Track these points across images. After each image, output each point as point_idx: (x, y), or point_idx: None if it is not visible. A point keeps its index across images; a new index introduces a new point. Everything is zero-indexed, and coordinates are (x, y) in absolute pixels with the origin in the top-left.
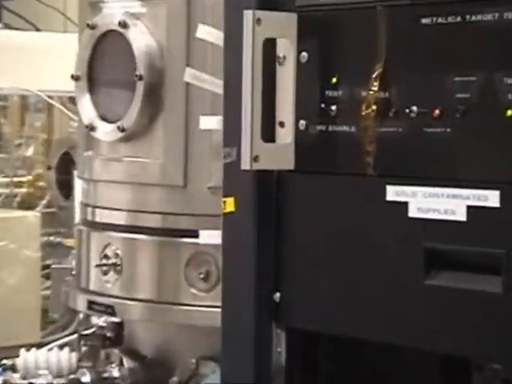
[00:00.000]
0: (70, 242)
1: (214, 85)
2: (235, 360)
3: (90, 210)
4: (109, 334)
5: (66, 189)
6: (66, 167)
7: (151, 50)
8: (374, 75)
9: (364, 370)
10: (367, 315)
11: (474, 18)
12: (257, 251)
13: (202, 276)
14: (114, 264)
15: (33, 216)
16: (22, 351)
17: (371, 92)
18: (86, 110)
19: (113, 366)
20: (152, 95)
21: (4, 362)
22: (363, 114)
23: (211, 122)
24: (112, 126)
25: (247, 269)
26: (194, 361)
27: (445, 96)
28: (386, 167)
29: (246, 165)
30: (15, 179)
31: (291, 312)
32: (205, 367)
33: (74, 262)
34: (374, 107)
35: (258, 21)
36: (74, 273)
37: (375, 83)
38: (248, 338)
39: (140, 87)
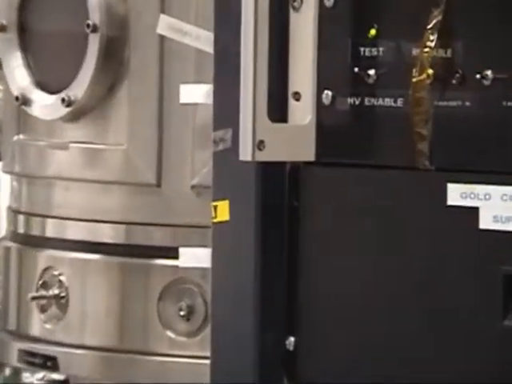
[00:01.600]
0: None
1: (200, 39)
2: None
3: (22, 218)
4: None
5: None
6: None
7: None
8: (429, 25)
9: None
10: (421, 371)
11: None
12: (261, 278)
13: (182, 313)
14: (57, 296)
15: None
16: None
17: (426, 50)
18: (16, 74)
19: None
20: (111, 54)
21: None
22: (415, 81)
23: (195, 94)
24: (54, 98)
25: (247, 303)
26: None
27: None
28: (447, 158)
29: (245, 154)
30: None
31: (310, 364)
32: None
33: None
34: (431, 72)
35: None
36: None
37: (432, 37)
38: None
39: (94, 43)
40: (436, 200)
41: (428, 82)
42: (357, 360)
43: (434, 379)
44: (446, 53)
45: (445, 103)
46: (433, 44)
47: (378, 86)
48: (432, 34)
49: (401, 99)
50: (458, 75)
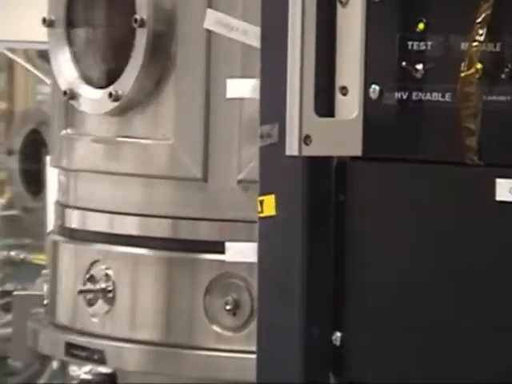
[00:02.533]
0: (39, 258)
1: (247, 34)
2: None
3: (69, 212)
4: None
5: (34, 183)
6: (33, 151)
7: None
8: (478, 19)
9: None
10: (471, 369)
11: None
12: (308, 272)
13: (228, 308)
14: (104, 290)
15: None
16: None
17: (475, 44)
18: (64, 69)
19: None
20: (158, 49)
21: None
22: (463, 75)
23: (242, 89)
24: (101, 93)
25: (294, 298)
26: None
27: None
28: (495, 153)
29: (292, 149)
30: None
31: (357, 360)
32: None
33: (45, 288)
34: (479, 66)
35: None
36: (45, 303)
37: (481, 31)
38: None
39: (141, 38)
40: (484, 195)
41: (477, 76)
42: (404, 356)
43: (488, 374)
44: (495, 47)
45: (493, 98)
46: (482, 38)
47: (426, 80)
48: (481, 28)
49: (449, 94)
50: (507, 70)
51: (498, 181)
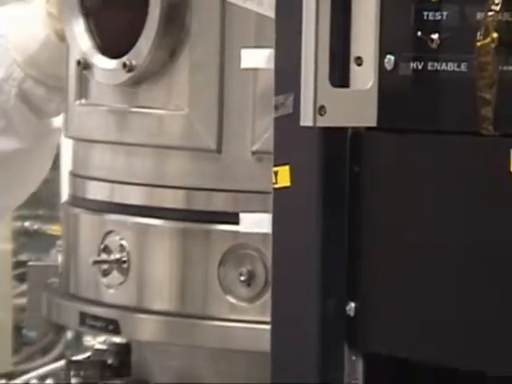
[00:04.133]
0: (53, 229)
1: (262, 4)
2: None
3: (82, 182)
4: (110, 361)
5: None
6: None
7: None
8: None
9: None
10: (484, 340)
11: None
12: (322, 243)
13: (243, 279)
14: (119, 260)
15: None
16: None
17: (491, 13)
18: (78, 39)
19: None
20: (172, 19)
21: None
22: (479, 45)
23: (256, 59)
24: (115, 63)
25: (308, 269)
26: None
27: None
28: (511, 123)
29: (307, 119)
30: None
31: (371, 331)
32: None
33: (59, 258)
34: (495, 35)
35: None
36: (59, 273)
37: (497, 0)
38: (309, 367)
39: (155, 7)
40: (499, 166)
41: (493, 46)
42: (419, 328)
43: (505, 343)
44: (511, 16)
45: (510, 68)
46: (498, 7)
47: (442, 50)
48: None
49: (464, 64)
50: None
51: None
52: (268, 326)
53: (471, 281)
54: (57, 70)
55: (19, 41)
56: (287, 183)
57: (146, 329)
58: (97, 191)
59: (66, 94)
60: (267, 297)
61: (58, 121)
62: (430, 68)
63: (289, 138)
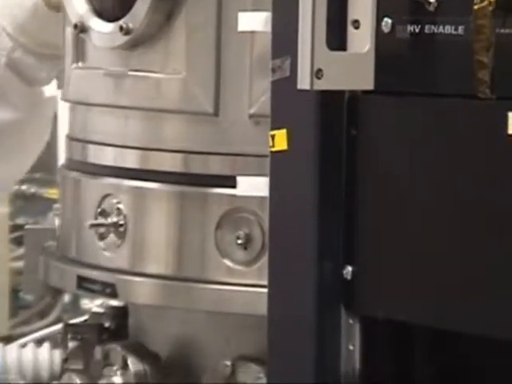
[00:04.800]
0: (50, 192)
1: None
2: (288, 362)
3: (80, 146)
4: (107, 324)
5: None
6: None
7: None
8: None
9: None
10: (482, 302)
11: None
12: (319, 206)
13: (240, 242)
14: (116, 224)
15: None
16: None
17: None
18: (75, 2)
19: (113, 368)
20: None
21: None
22: (476, 7)
23: (253, 22)
24: (112, 26)
25: (305, 232)
26: (228, 363)
27: None
28: (508, 86)
29: (304, 83)
30: None
31: (368, 294)
32: (244, 372)
33: (56, 222)
34: None
35: None
36: (57, 236)
37: None
38: (306, 331)
39: None
40: (497, 129)
41: (490, 8)
42: (416, 291)
43: (501, 308)
44: None
45: (507, 31)
46: None
47: (439, 13)
48: None
49: (462, 27)
50: None
51: (511, 114)
52: (265, 290)
53: (469, 244)
54: (46, 38)
55: (7, 9)
56: (284, 147)
57: (143, 292)
58: (94, 155)
59: (63, 57)
60: (264, 260)
61: (51, 90)
62: (427, 31)
63: (286, 101)
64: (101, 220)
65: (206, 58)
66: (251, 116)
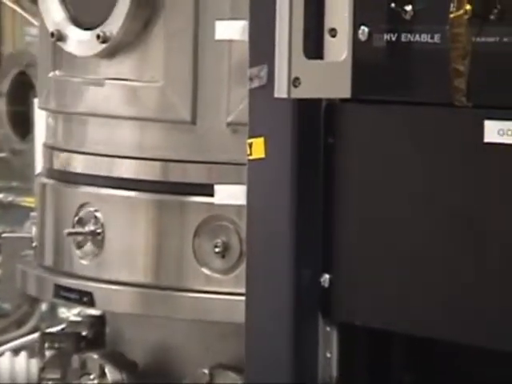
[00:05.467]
0: (27, 201)
1: None
2: (265, 370)
3: (57, 155)
4: (85, 333)
5: (21, 125)
6: (21, 93)
7: None
8: None
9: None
10: (457, 308)
11: None
12: (297, 214)
13: (217, 250)
14: (93, 232)
15: None
16: None
17: None
18: (52, 10)
19: (90, 377)
20: None
21: None
22: (452, 16)
23: (231, 30)
24: (89, 34)
25: (282, 240)
26: (206, 371)
27: None
28: (484, 94)
29: (281, 91)
30: None
31: (346, 302)
32: (222, 380)
33: (33, 230)
34: (469, 7)
35: None
36: (34, 245)
37: None
38: (284, 339)
39: None
40: (473, 137)
41: (466, 17)
42: (393, 299)
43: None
44: None
45: (483, 39)
46: None
47: (415, 21)
48: None
49: (438, 35)
50: (496, 10)
51: (487, 122)
52: (243, 298)
53: (445, 252)
54: None
55: None
56: (262, 155)
57: (121, 301)
58: (71, 163)
59: (40, 65)
60: (242, 268)
61: None
62: (403, 39)
63: (263, 109)
64: (78, 228)
65: (183, 66)
66: (229, 124)
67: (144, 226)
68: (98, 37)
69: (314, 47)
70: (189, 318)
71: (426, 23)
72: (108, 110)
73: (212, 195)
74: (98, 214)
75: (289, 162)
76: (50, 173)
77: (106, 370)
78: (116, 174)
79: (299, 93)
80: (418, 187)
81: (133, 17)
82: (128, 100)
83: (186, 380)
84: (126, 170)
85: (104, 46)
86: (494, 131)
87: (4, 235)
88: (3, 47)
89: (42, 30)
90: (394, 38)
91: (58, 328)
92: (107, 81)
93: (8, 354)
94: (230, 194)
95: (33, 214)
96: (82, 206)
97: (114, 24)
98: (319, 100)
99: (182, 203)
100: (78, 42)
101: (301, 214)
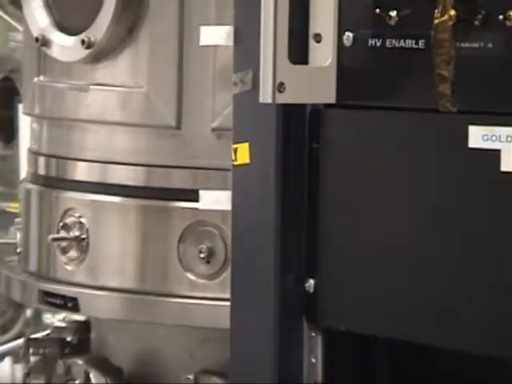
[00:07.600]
0: (12, 206)
1: None
2: (250, 375)
3: (42, 160)
4: (69, 339)
5: (6, 130)
6: (6, 99)
7: None
8: None
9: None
10: (443, 314)
11: None
12: (282, 220)
13: (202, 255)
14: (78, 238)
15: None
16: None
17: None
18: (36, 15)
19: (75, 383)
20: None
21: None
22: (437, 22)
23: (216, 36)
24: (74, 40)
25: (267, 245)
26: (190, 377)
27: None
28: (468, 100)
29: (266, 96)
30: None
31: (330, 307)
32: None
33: (18, 236)
34: (453, 13)
35: None
36: (18, 251)
37: None
38: (268, 344)
39: None
40: (457, 142)
41: (450, 23)
42: (377, 305)
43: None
44: None
45: (467, 44)
46: None
47: (400, 27)
48: None
49: (422, 41)
50: (480, 16)
51: (471, 128)
52: (228, 303)
53: (430, 257)
54: None
55: None
56: (246, 160)
57: (105, 306)
58: (55, 168)
59: (24, 71)
60: (227, 274)
61: None
62: (388, 45)
63: (248, 114)
64: (63, 234)
65: (168, 71)
66: (214, 129)
67: (129, 231)
68: (83, 42)
69: (298, 52)
70: (174, 323)
71: (411, 29)
72: (92, 116)
73: (197, 200)
74: (83, 220)
75: (273, 167)
76: (35, 178)
77: (91, 376)
78: (101, 179)
79: (284, 98)
80: (402, 192)
81: (117, 22)
82: (112, 105)
83: None
84: (111, 175)
85: (88, 51)
86: (479, 136)
87: None
88: None
89: (27, 35)
90: (378, 44)
91: (43, 334)
92: (92, 86)
93: None
94: (215, 200)
95: (17, 219)
96: (66, 211)
97: (99, 29)
98: (304, 105)
99: (167, 208)
100: (63, 47)
101: (285, 219)
